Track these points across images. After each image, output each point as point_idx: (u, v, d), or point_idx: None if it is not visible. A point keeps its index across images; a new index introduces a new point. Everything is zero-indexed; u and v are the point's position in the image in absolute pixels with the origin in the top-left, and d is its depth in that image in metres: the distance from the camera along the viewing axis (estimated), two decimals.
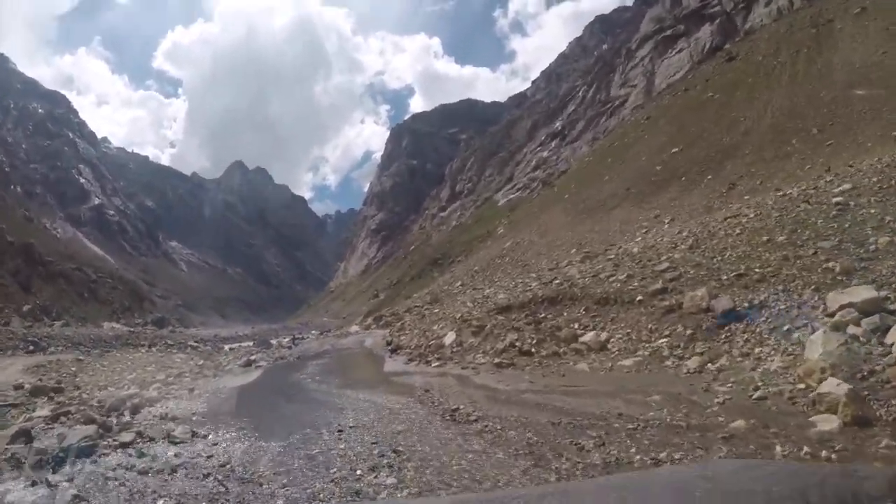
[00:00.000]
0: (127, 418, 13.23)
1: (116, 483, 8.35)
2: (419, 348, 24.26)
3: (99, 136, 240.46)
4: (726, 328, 13.68)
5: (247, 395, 18.56)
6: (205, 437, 11.38)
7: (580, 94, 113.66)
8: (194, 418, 13.46)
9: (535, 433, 9.40)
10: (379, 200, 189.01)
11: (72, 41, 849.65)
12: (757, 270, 15.48)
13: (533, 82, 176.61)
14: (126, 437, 10.85)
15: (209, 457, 9.66)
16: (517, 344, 18.79)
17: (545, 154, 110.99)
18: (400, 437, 10.24)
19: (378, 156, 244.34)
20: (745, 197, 27.31)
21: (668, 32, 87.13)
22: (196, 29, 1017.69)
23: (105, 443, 10.47)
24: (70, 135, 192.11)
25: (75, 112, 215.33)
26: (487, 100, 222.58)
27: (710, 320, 14.34)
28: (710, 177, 36.21)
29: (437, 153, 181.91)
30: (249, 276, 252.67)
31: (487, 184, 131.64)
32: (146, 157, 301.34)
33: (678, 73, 77.69)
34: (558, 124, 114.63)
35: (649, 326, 15.98)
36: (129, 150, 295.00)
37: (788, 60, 50.34)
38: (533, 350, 18.03)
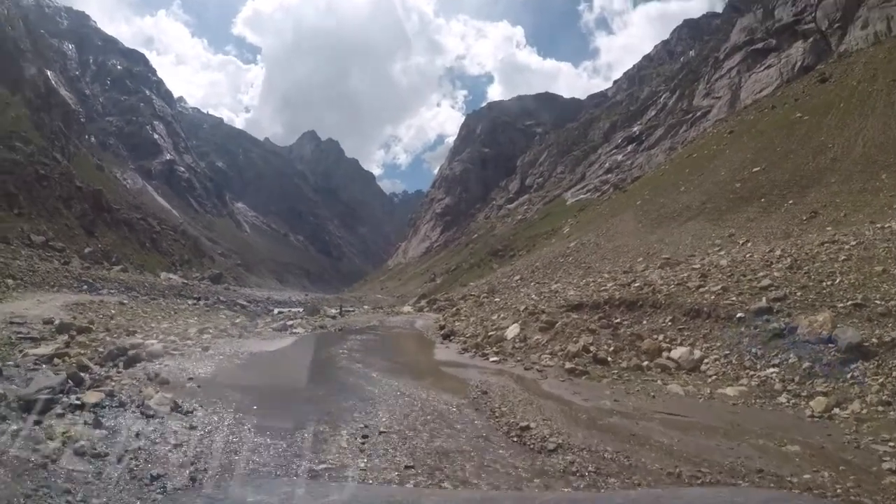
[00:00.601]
0: (113, 372, 12.09)
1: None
2: (475, 337, 23.53)
3: (176, 95, 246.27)
4: (853, 365, 11.84)
5: (265, 364, 17.84)
6: (187, 413, 9.61)
7: (662, 100, 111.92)
8: (188, 385, 12.24)
9: (649, 487, 7.25)
10: (447, 185, 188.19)
11: (152, 3, 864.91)
12: (878, 302, 13.73)
13: (615, 82, 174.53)
14: (92, 397, 9.23)
15: (176, 446, 7.72)
16: (591, 349, 17.38)
17: (620, 158, 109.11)
18: (447, 461, 8.32)
19: (451, 140, 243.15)
20: (828, 228, 25.73)
21: (759, 45, 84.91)
22: None
23: (67, 399, 8.69)
24: (147, 92, 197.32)
25: (153, 70, 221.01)
26: (567, 95, 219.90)
27: (834, 354, 12.39)
28: (791, 201, 34.58)
29: (511, 144, 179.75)
30: (311, 245, 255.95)
31: (558, 181, 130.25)
32: (220, 119, 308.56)
33: (766, 89, 75.55)
34: (636, 129, 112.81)
35: (753, 350, 14.18)
36: (205, 111, 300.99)
37: (885, 89, 47.50)
38: (609, 359, 16.72)
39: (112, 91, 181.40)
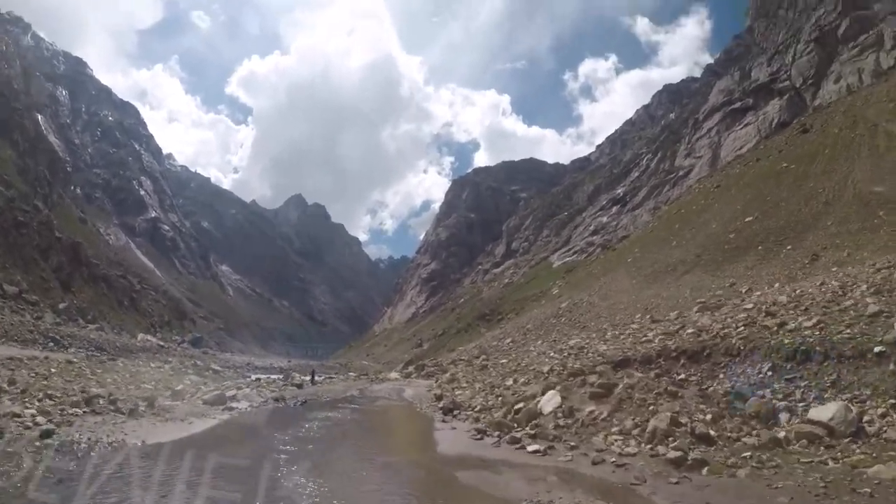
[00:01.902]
0: None
1: None
2: (490, 411, 19.32)
3: (165, 151, 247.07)
4: None
5: (129, 472, 11.24)
6: None
7: (644, 161, 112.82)
8: None
9: None
10: (433, 250, 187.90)
11: (150, 56, 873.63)
12: None
13: (597, 147, 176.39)
14: None
15: None
16: (682, 421, 13.00)
17: (605, 219, 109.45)
18: None
19: (437, 206, 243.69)
20: (833, 269, 24.96)
21: (737, 105, 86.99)
22: (272, 60, 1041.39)
23: None
24: (136, 146, 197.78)
25: (144, 125, 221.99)
26: (551, 161, 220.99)
27: None
28: (789, 247, 34.12)
29: (496, 209, 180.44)
30: (296, 310, 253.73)
31: (544, 244, 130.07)
32: (208, 179, 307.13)
33: (745, 146, 76.81)
34: (620, 191, 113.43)
35: None
36: (193, 169, 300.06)
37: (867, 133, 48.94)
38: (712, 433, 12.45)
39: (101, 142, 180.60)
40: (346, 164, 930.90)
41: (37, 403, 16.93)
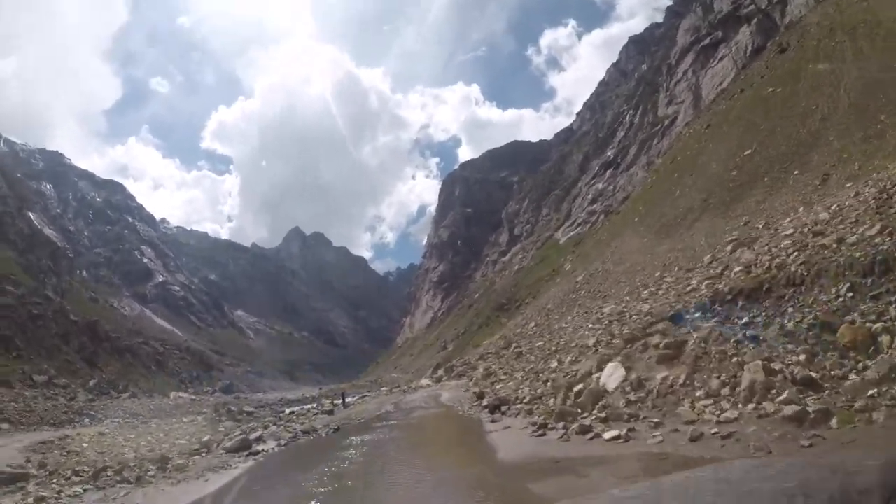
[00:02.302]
0: None
1: None
2: (543, 400, 17.27)
3: (158, 217, 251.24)
4: None
5: None
6: None
7: (627, 119, 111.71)
8: None
9: None
10: (438, 252, 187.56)
11: (121, 132, 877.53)
12: None
13: (577, 115, 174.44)
14: None
15: None
16: (776, 368, 11.19)
17: (601, 185, 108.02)
18: None
19: (432, 209, 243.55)
20: (847, 185, 24.40)
21: (707, 41, 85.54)
22: (238, 107, 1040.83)
23: None
24: (129, 219, 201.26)
25: (132, 197, 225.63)
26: (534, 139, 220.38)
27: None
28: (796, 172, 33.29)
29: (491, 199, 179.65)
30: (316, 339, 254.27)
31: (546, 223, 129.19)
32: (205, 233, 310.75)
33: (724, 80, 75.08)
34: (610, 153, 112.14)
35: None
36: (189, 228, 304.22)
37: (847, 38, 47.12)
38: (814, 375, 10.71)
39: (95, 223, 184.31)
40: (335, 189, 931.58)
41: (63, 482, 16.78)
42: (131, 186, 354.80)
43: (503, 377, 27.78)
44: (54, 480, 17.20)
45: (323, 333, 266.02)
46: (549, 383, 19.65)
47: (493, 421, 17.72)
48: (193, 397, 68.74)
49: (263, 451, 20.51)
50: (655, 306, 21.40)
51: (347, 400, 42.81)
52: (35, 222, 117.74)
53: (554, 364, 22.26)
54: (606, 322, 25.19)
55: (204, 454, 20.64)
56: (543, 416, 15.22)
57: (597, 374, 15.42)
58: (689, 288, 21.38)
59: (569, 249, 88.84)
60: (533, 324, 47.80)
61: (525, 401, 18.74)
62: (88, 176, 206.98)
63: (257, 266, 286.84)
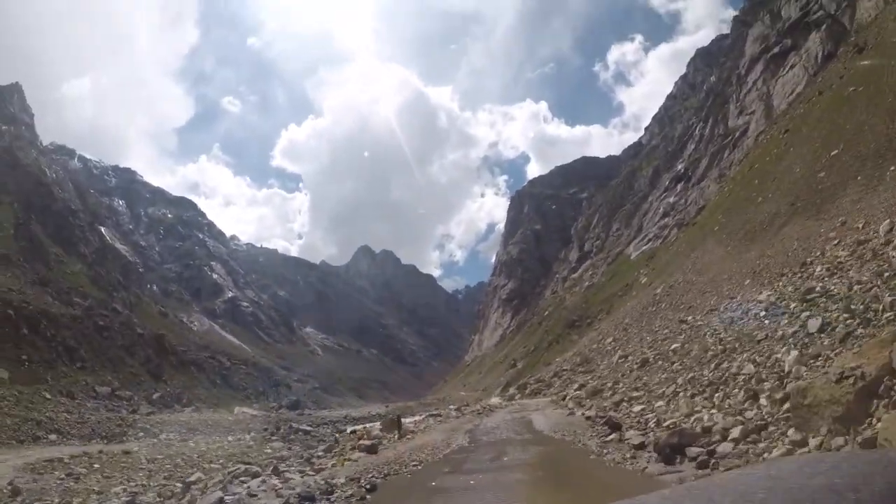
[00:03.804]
0: None
1: None
2: (766, 429, 11.26)
3: (228, 234, 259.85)
4: None
5: None
6: None
7: (697, 131, 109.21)
8: None
9: None
10: (507, 269, 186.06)
11: (193, 150, 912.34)
12: None
13: (646, 129, 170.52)
14: None
15: None
16: None
17: (672, 199, 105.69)
18: None
19: (501, 226, 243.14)
20: None
21: (776, 50, 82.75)
22: (308, 125, 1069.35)
23: None
24: (200, 235, 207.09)
25: (203, 214, 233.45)
26: (603, 155, 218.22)
27: None
28: (893, 168, 30.73)
29: (560, 215, 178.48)
30: (385, 357, 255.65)
31: (616, 239, 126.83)
32: (275, 250, 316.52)
33: (795, 88, 72.43)
34: (680, 167, 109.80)
35: None
36: (258, 244, 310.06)
37: None
38: None
39: (166, 239, 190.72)
40: (404, 206, 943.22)
41: None
42: (202, 204, 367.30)
43: (635, 394, 21.27)
44: None
45: (391, 351, 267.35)
46: (764, 397, 12.73)
47: (668, 472, 11.55)
48: (256, 413, 68.70)
49: None
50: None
51: (406, 422, 32.53)
52: (106, 237, 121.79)
53: (747, 368, 15.14)
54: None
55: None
56: None
57: None
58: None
59: (642, 264, 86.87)
60: (610, 339, 46.17)
61: (733, 435, 11.67)
62: (160, 193, 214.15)
63: (326, 283, 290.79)
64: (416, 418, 39.92)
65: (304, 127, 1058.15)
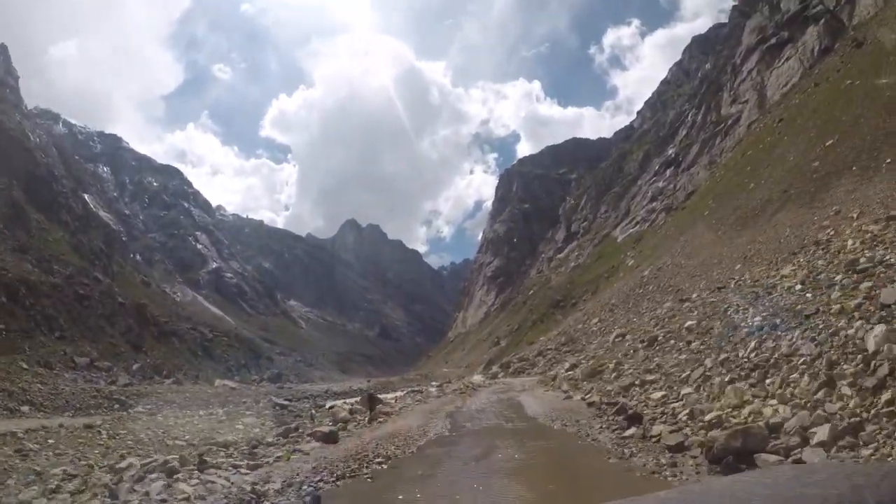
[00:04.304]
0: None
1: None
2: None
3: (214, 204, 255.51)
4: None
5: None
6: None
7: (689, 118, 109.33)
8: None
9: None
10: (494, 247, 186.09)
11: (180, 118, 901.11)
12: None
13: (638, 113, 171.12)
14: None
15: None
16: None
17: (661, 184, 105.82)
18: None
19: (489, 204, 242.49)
20: None
21: (773, 41, 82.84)
22: (299, 96, 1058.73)
23: None
24: (185, 204, 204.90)
25: (189, 183, 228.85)
26: (594, 137, 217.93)
27: None
28: (888, 160, 30.60)
29: (549, 195, 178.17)
30: (368, 331, 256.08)
31: (604, 221, 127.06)
32: (261, 222, 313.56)
33: (790, 80, 72.73)
34: (671, 152, 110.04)
35: None
36: (245, 215, 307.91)
37: None
38: None
39: (151, 208, 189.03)
40: (393, 181, 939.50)
41: None
42: (189, 172, 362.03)
43: (650, 377, 18.68)
44: None
45: (375, 325, 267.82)
46: (846, 384, 10.64)
47: None
48: (235, 386, 67.05)
49: None
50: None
51: (387, 398, 31.20)
52: (90, 204, 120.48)
53: (806, 345, 12.90)
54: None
55: None
56: None
57: None
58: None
59: (629, 246, 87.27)
60: (596, 319, 46.14)
61: (820, 437, 9.64)
62: (146, 160, 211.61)
63: (312, 256, 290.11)
64: (398, 394, 38.88)
65: (294, 97, 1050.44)
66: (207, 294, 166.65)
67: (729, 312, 19.49)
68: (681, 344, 20.23)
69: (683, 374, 16.90)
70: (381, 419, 22.56)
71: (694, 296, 28.44)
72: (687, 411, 13.77)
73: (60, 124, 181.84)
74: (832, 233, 22.82)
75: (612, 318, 42.12)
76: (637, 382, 18.86)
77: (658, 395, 16.44)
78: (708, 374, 15.59)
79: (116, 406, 36.90)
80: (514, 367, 45.76)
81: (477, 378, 46.82)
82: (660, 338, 22.77)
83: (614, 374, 21.80)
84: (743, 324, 17.13)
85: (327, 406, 37.72)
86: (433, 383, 50.39)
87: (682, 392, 15.57)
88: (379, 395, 30.99)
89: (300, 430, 21.50)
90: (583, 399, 20.44)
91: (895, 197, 24.10)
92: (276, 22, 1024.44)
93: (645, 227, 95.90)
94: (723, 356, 15.78)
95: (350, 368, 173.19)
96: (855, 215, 24.54)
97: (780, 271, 20.94)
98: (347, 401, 38.31)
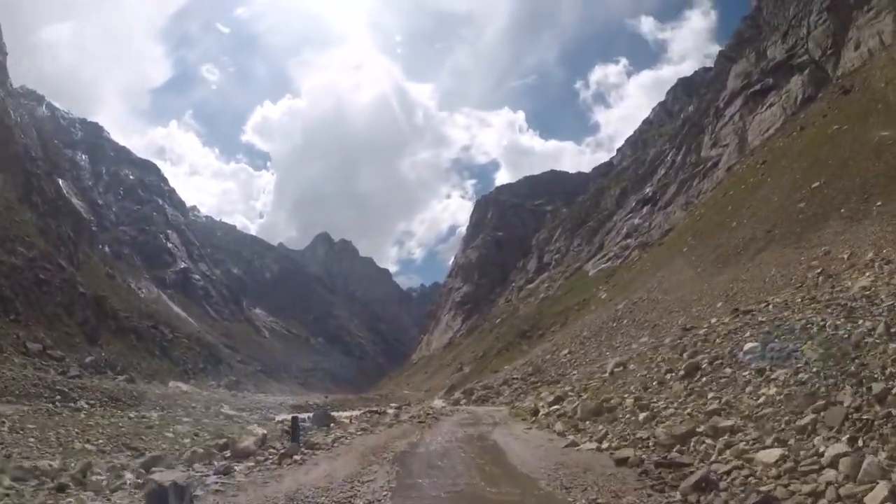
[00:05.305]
0: None
1: None
2: None
3: (189, 204, 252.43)
4: None
5: None
6: None
7: (669, 157, 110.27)
8: None
9: None
10: (464, 272, 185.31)
11: (164, 114, 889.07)
12: None
13: (618, 150, 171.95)
14: None
15: None
16: None
17: (637, 221, 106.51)
18: None
19: (463, 230, 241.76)
20: None
21: (757, 87, 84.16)
22: (284, 104, 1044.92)
23: None
24: (159, 201, 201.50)
25: (165, 180, 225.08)
26: (572, 171, 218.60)
27: None
28: (879, 203, 30.54)
29: (523, 225, 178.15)
30: (332, 347, 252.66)
31: (576, 254, 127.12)
32: (234, 226, 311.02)
33: (772, 126, 74.02)
34: (648, 190, 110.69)
35: None
36: (218, 219, 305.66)
37: None
38: None
39: (125, 201, 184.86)
40: (369, 198, 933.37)
41: None
42: (167, 170, 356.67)
43: (726, 424, 11.63)
44: None
45: (339, 342, 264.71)
46: None
47: None
48: (188, 389, 65.88)
49: None
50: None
51: (311, 430, 23.45)
52: (63, 189, 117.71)
53: None
54: None
55: None
56: None
57: None
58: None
59: (601, 281, 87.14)
60: (566, 351, 45.67)
61: None
62: (125, 152, 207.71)
63: (281, 266, 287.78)
64: (354, 413, 37.80)
65: (279, 105, 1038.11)
66: (173, 294, 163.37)
67: (798, 331, 13.92)
68: (747, 375, 13.64)
69: (781, 421, 10.43)
70: (297, 457, 16.36)
71: (705, 325, 23.10)
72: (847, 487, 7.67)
73: (44, 107, 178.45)
74: (848, 264, 21.82)
75: (583, 350, 41.83)
76: (703, 430, 12.03)
77: (769, 454, 9.53)
78: (855, 415, 9.05)
79: (58, 398, 35.15)
80: (477, 394, 44.68)
81: (438, 403, 45.82)
82: (703, 365, 16.29)
83: (644, 415, 15.31)
84: (835, 351, 11.51)
85: (277, 420, 36.13)
86: (392, 405, 48.36)
87: (821, 451, 8.77)
88: (333, 413, 31.32)
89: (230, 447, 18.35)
90: (599, 449, 14.53)
91: (888, 238, 23.64)
92: (269, 28, 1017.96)
93: (618, 262, 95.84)
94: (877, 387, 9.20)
95: (310, 383, 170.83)
96: (845, 256, 24.11)
97: (841, 292, 17.73)
98: (301, 415, 34.23)
